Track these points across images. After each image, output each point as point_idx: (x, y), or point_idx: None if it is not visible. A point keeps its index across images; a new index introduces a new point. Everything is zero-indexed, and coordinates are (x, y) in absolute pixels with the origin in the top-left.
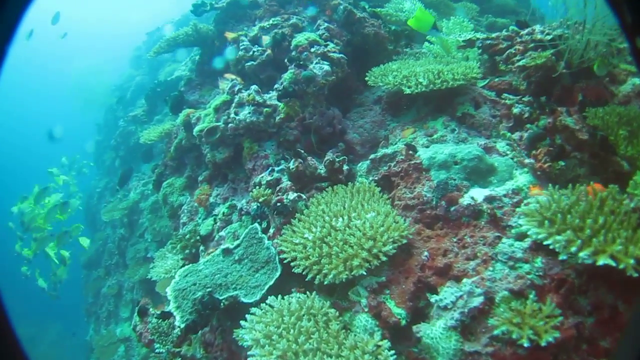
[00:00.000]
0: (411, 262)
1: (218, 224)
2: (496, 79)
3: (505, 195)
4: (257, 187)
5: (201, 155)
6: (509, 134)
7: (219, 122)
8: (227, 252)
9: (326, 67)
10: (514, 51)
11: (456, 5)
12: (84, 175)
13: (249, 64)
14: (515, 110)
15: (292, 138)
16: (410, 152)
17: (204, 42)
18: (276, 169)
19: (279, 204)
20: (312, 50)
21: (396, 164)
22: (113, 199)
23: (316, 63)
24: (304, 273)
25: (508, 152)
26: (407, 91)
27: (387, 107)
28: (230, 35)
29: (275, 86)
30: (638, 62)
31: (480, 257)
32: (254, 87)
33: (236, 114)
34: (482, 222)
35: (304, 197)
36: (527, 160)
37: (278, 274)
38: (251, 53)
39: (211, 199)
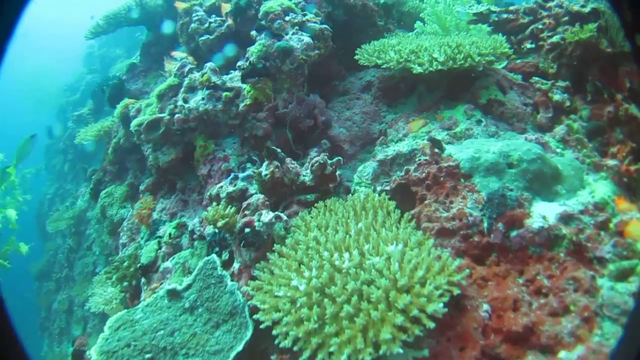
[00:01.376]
0: (465, 322)
1: (163, 249)
2: (518, 61)
3: (583, 212)
4: (214, 202)
5: (144, 158)
6: (562, 126)
7: (163, 112)
8: (173, 294)
9: (306, 39)
10: (541, 26)
11: None
12: (29, 181)
13: (204, 38)
14: (557, 97)
15: (261, 133)
16: (436, 149)
17: (150, 19)
18: (240, 175)
19: (247, 231)
20: (287, 18)
21: (418, 167)
22: (61, 206)
23: (293, 34)
24: (295, 348)
25: (565, 150)
26: (418, 70)
27: (380, 94)
28: (181, 5)
29: (239, 63)
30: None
31: (577, 313)
32: (209, 64)
33: (185, 101)
34: (562, 254)
35: (284, 217)
36: (610, 162)
37: (249, 333)
38: (207, 25)
39: (155, 215)
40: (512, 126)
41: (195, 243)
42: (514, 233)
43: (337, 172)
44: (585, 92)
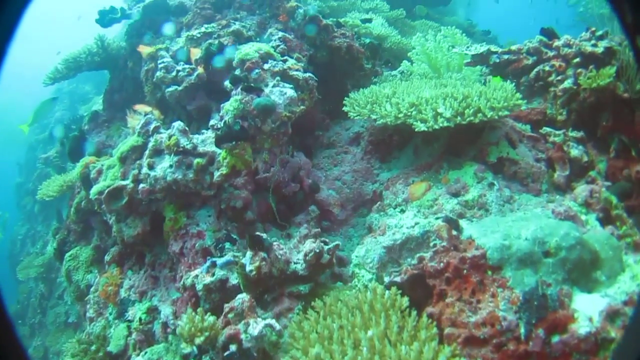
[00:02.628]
0: None
1: (134, 336)
2: (523, 107)
3: (627, 303)
4: (190, 308)
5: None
6: (584, 187)
7: (126, 179)
8: None
9: (290, 92)
10: (548, 68)
11: (414, 23)
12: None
13: (171, 89)
14: (575, 153)
15: (240, 204)
16: (454, 232)
17: (113, 62)
18: (219, 262)
19: (233, 350)
20: (267, 66)
21: (434, 256)
22: (33, 249)
23: (274, 86)
24: None
25: (597, 226)
26: (422, 128)
27: (371, 148)
28: (145, 49)
29: (212, 122)
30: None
31: None
32: (177, 124)
33: (151, 167)
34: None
35: (276, 326)
36: None
37: None
38: (174, 73)
39: (122, 292)
40: (527, 187)
41: (170, 337)
42: (555, 339)
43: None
44: (597, 138)
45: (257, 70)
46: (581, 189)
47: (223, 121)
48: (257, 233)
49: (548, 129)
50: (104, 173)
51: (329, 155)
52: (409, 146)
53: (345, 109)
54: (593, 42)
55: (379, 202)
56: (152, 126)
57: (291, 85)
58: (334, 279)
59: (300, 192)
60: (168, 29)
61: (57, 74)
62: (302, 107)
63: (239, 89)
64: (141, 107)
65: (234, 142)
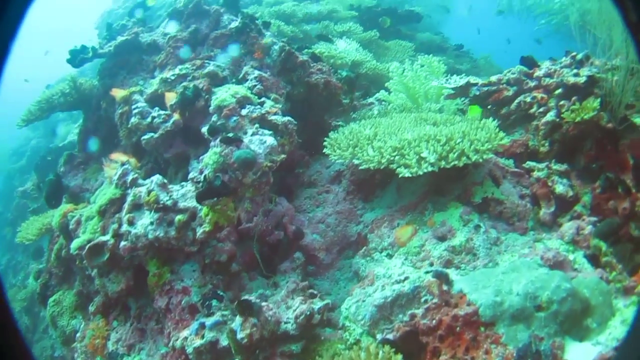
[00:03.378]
0: None
1: None
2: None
3: (618, 349)
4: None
5: None
6: (570, 224)
7: (107, 233)
8: None
9: (270, 141)
10: (529, 100)
11: (388, 43)
12: None
13: (147, 137)
14: (560, 189)
15: (225, 258)
16: (445, 287)
17: (87, 103)
18: (208, 323)
19: None
20: (245, 112)
21: (426, 313)
22: (15, 280)
23: (253, 134)
24: None
25: (584, 264)
26: (406, 174)
27: (353, 188)
28: (118, 93)
29: (192, 175)
30: None
31: None
32: (155, 178)
33: (131, 223)
34: None
35: None
36: None
37: None
38: (149, 119)
39: (110, 346)
40: (513, 226)
41: None
42: None
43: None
44: (580, 167)
45: (234, 118)
46: (568, 227)
47: (203, 175)
48: (246, 297)
49: (532, 164)
50: (83, 225)
51: (311, 195)
52: (391, 184)
53: (326, 151)
54: (574, 70)
55: (364, 247)
56: (129, 178)
57: (270, 132)
58: (323, 324)
59: (285, 239)
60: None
61: (30, 116)
62: (282, 155)
63: (218, 140)
64: (117, 156)
65: (215, 199)
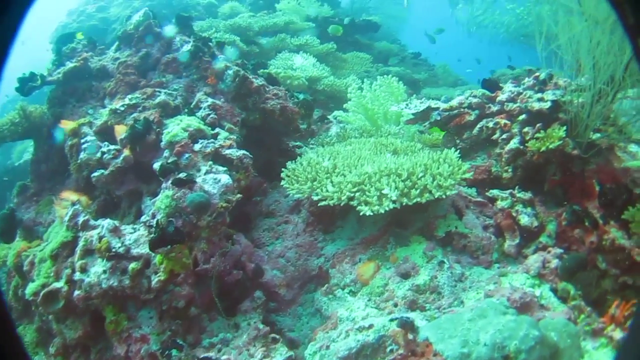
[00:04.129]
0: None
1: None
2: (466, 165)
3: None
4: None
5: None
6: (536, 257)
7: (60, 280)
8: None
9: (224, 179)
10: (492, 125)
11: (346, 55)
12: None
13: (97, 174)
14: (524, 221)
15: (183, 303)
16: (410, 336)
17: (37, 132)
18: None
19: None
20: (198, 147)
21: None
22: None
23: (207, 172)
24: None
25: (551, 298)
26: (367, 212)
27: (313, 220)
28: (67, 125)
29: (144, 218)
30: None
31: None
32: (106, 223)
33: (84, 270)
34: None
35: None
36: (611, 332)
37: None
38: (99, 155)
39: None
40: (477, 259)
41: None
42: None
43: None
44: (544, 192)
45: (187, 155)
46: (533, 260)
47: (156, 221)
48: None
49: (495, 192)
50: (37, 267)
51: (270, 226)
52: (352, 214)
53: (283, 183)
54: (538, 93)
55: (326, 284)
56: (80, 220)
57: (225, 168)
58: None
59: (244, 277)
60: None
61: None
62: (238, 195)
63: (170, 182)
64: (68, 195)
65: (169, 246)
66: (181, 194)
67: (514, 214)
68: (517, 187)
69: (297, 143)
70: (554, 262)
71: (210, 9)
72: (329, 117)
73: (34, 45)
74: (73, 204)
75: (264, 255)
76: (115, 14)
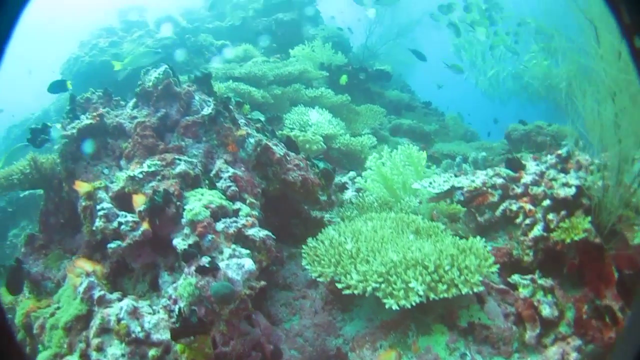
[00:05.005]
0: None
1: None
2: (487, 247)
3: None
4: None
5: None
6: (554, 354)
7: (74, 353)
8: None
9: (248, 265)
10: (515, 208)
11: (359, 108)
12: None
13: (113, 246)
14: (546, 312)
15: None
16: None
17: (47, 183)
18: None
19: None
20: (220, 227)
21: None
22: None
23: (230, 257)
24: None
25: None
26: (393, 305)
27: (332, 298)
28: (82, 187)
29: (164, 302)
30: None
31: None
32: (125, 305)
33: (100, 349)
34: None
35: None
36: None
37: None
38: (115, 225)
39: None
40: (498, 350)
41: None
42: None
43: None
44: (563, 275)
45: (209, 237)
46: (553, 352)
47: (178, 309)
48: None
49: (516, 279)
50: (48, 333)
51: (287, 301)
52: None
53: (304, 263)
54: (561, 175)
55: None
56: (96, 294)
57: (248, 252)
58: None
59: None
60: None
61: None
62: (262, 282)
63: (193, 269)
64: (82, 264)
65: (192, 337)
66: (205, 283)
67: (535, 304)
68: (537, 271)
69: (315, 212)
70: (573, 356)
71: (224, 50)
72: (343, 178)
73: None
74: (88, 274)
75: (282, 334)
76: (128, 50)
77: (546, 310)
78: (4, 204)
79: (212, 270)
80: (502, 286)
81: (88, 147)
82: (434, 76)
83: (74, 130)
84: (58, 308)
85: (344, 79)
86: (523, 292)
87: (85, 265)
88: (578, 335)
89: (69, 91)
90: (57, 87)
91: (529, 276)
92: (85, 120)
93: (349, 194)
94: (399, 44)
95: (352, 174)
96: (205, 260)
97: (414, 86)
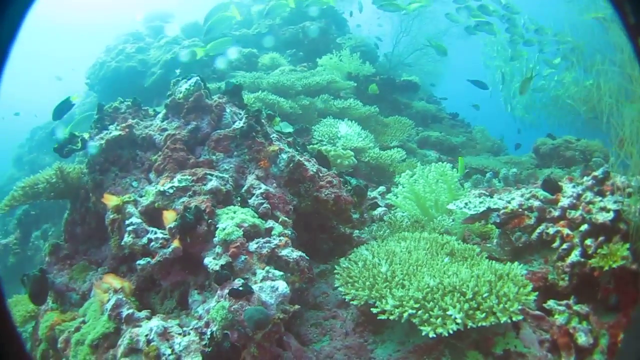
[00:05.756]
0: None
1: None
2: (522, 271)
3: None
4: None
5: None
6: None
7: None
8: None
9: (282, 287)
10: (552, 232)
11: (388, 120)
12: None
13: (142, 262)
14: (581, 340)
15: None
16: None
17: (74, 193)
18: None
19: None
20: (253, 248)
21: None
22: None
23: (263, 279)
24: None
25: None
26: (430, 333)
27: (363, 320)
28: (111, 200)
29: (195, 323)
30: None
31: None
32: (155, 326)
33: None
34: None
35: None
36: None
37: None
38: (145, 241)
39: None
40: None
41: None
42: None
43: None
44: (596, 300)
45: (242, 258)
46: None
47: (210, 333)
48: None
49: (552, 304)
50: (73, 349)
51: (317, 321)
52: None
53: (337, 285)
54: (599, 199)
55: None
56: (124, 312)
57: (281, 273)
58: None
59: None
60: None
61: (13, 202)
62: (297, 306)
63: (226, 292)
64: (109, 279)
65: None
66: (238, 307)
67: (571, 331)
68: (572, 297)
69: (346, 229)
70: None
71: (251, 58)
72: (372, 193)
73: (72, 80)
74: (116, 291)
75: (312, 356)
76: (155, 57)
77: (582, 339)
78: (27, 206)
79: (245, 293)
80: (537, 312)
81: (116, 157)
82: (461, 87)
83: (102, 142)
84: (83, 322)
85: (373, 88)
86: (559, 319)
87: (113, 281)
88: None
89: (75, 105)
90: (61, 110)
91: (565, 302)
92: (114, 131)
93: (379, 211)
94: (425, 54)
95: (381, 188)
96: (238, 283)
97: (440, 93)
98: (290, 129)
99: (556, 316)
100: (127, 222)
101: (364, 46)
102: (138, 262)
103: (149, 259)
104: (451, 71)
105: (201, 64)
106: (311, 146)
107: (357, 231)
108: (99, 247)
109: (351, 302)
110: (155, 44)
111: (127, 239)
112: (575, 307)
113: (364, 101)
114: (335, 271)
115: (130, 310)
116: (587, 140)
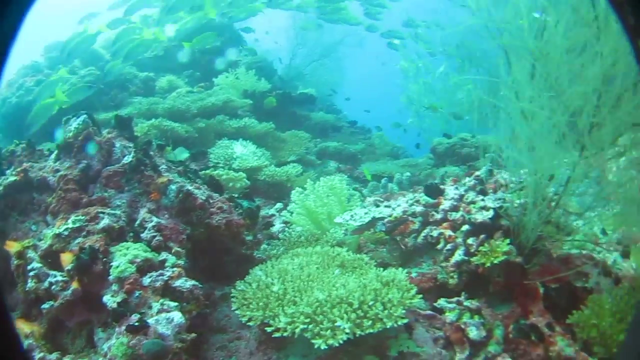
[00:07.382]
0: None
1: None
2: (413, 273)
3: None
4: None
5: None
6: None
7: None
8: None
9: (177, 318)
10: (436, 235)
11: (285, 135)
12: None
13: (46, 306)
14: (473, 335)
15: None
16: None
17: None
18: None
19: None
20: (147, 282)
21: None
22: None
23: (159, 311)
24: None
25: None
26: (321, 345)
27: (265, 337)
28: (12, 246)
29: None
30: None
31: None
32: None
33: None
34: None
35: None
36: None
37: None
38: (47, 285)
39: None
40: None
41: None
42: None
43: None
44: (489, 293)
45: (138, 293)
46: None
47: None
48: None
49: (443, 303)
50: None
51: (222, 344)
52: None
53: (234, 307)
54: (480, 198)
55: None
56: (36, 357)
57: (176, 304)
58: None
59: None
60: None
61: None
62: (193, 334)
63: (123, 328)
64: (21, 326)
65: None
66: (136, 342)
67: (462, 327)
68: (463, 293)
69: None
70: None
71: (148, 82)
72: (270, 210)
73: None
74: (26, 336)
75: None
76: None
77: (473, 333)
78: None
79: (142, 328)
80: (428, 312)
81: (15, 202)
82: (362, 93)
83: (1, 188)
84: None
85: (271, 100)
86: (449, 316)
87: (22, 326)
88: (508, 352)
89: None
90: None
91: (455, 299)
92: (11, 176)
93: (276, 228)
94: (322, 65)
95: (278, 205)
96: (134, 319)
97: (342, 105)
98: (186, 154)
99: (447, 313)
100: (29, 267)
101: (261, 61)
102: (42, 306)
103: (52, 302)
104: (349, 79)
105: (99, 93)
106: (205, 171)
107: (255, 251)
108: (11, 293)
109: (244, 321)
110: (53, 75)
111: (30, 284)
112: (466, 303)
113: (262, 117)
114: (232, 294)
115: (41, 354)
116: (482, 136)
